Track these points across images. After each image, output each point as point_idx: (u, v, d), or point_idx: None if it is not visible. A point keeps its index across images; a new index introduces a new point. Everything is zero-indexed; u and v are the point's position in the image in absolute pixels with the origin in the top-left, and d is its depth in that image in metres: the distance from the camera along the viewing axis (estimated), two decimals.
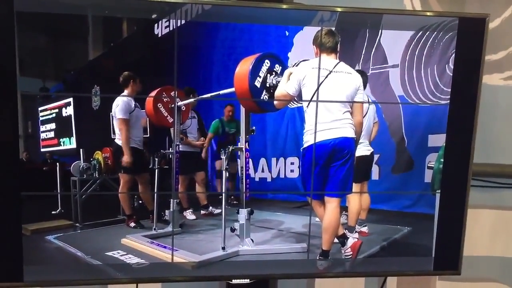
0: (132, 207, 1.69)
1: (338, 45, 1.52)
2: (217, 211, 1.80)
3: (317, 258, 1.60)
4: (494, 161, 1.88)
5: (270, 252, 1.66)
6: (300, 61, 1.55)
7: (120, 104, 1.56)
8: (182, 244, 1.60)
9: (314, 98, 1.51)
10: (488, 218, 1.95)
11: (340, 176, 1.58)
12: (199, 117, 1.76)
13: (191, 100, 1.58)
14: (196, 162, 1.76)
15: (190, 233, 1.71)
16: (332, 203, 1.60)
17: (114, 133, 1.61)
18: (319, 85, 1.51)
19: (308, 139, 1.56)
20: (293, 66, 1.56)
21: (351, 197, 1.68)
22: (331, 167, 1.58)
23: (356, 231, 1.68)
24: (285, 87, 1.56)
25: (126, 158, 1.62)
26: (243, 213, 1.66)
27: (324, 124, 1.53)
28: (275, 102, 1.58)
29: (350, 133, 1.58)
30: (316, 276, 1.80)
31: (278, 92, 1.57)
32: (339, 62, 1.53)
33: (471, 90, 1.50)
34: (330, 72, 1.52)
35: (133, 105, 1.58)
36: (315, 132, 1.53)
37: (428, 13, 1.51)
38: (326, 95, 1.52)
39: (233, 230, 1.67)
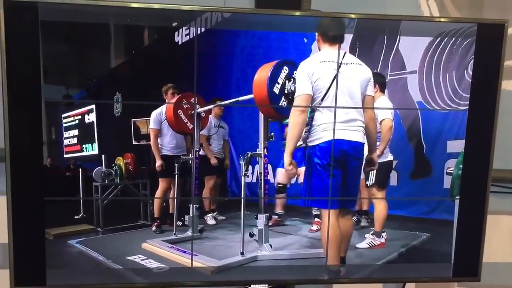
0: (160, 211, 1.72)
1: (343, 36, 1.47)
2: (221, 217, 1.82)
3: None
4: None
5: (288, 258, 1.67)
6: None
7: (152, 115, 1.62)
8: (201, 249, 1.61)
9: (329, 93, 1.47)
10: (507, 224, 1.93)
11: (357, 183, 1.58)
12: (228, 130, 1.80)
13: (211, 106, 1.60)
14: (219, 166, 1.78)
15: (209, 238, 1.73)
16: (346, 214, 1.60)
17: (135, 139, 1.64)
18: (336, 76, 1.46)
19: (321, 136, 1.49)
20: None
21: (378, 203, 1.67)
22: (347, 174, 1.55)
23: (382, 236, 1.69)
24: (300, 90, 1.50)
25: (156, 164, 1.67)
26: (261, 218, 1.67)
27: (338, 124, 1.48)
28: (298, 112, 1.51)
29: (362, 139, 1.55)
30: (334, 282, 1.80)
31: (297, 100, 1.51)
32: (345, 53, 1.48)
33: (490, 95, 1.49)
34: (341, 64, 1.48)
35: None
36: (334, 129, 1.47)
37: (447, 19, 1.51)
38: (340, 91, 1.47)
39: (251, 235, 1.67)
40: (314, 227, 1.82)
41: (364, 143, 1.56)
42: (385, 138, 1.62)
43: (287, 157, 1.54)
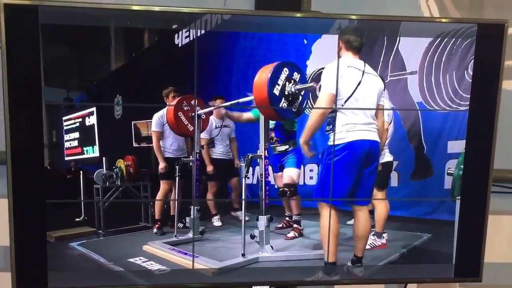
0: (162, 213, 1.72)
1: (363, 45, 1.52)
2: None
3: (349, 264, 1.61)
4: None
5: (290, 259, 1.67)
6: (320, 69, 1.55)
7: (154, 118, 1.63)
8: (202, 250, 1.62)
9: (350, 99, 1.52)
10: (509, 224, 1.93)
11: (372, 182, 1.59)
12: (233, 128, 1.80)
13: (211, 108, 1.60)
14: (228, 170, 1.78)
15: (210, 240, 1.73)
16: (364, 211, 1.62)
17: (136, 141, 1.65)
18: (358, 84, 1.51)
19: (345, 136, 1.54)
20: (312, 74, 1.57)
21: (378, 203, 1.68)
22: (365, 172, 1.58)
23: (383, 237, 1.69)
24: (325, 89, 1.52)
25: (160, 166, 1.69)
26: (262, 220, 1.67)
27: (358, 125, 1.54)
28: (320, 111, 1.54)
29: (378, 138, 1.59)
30: (335, 283, 1.79)
31: (321, 97, 1.54)
32: (364, 63, 1.53)
33: (491, 95, 1.50)
34: (363, 73, 1.52)
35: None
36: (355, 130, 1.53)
37: (447, 20, 1.51)
38: (361, 96, 1.52)
39: (252, 237, 1.68)
40: (291, 234, 1.83)
41: (379, 142, 1.60)
42: (383, 140, 1.64)
43: (303, 146, 1.61)
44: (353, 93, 1.51)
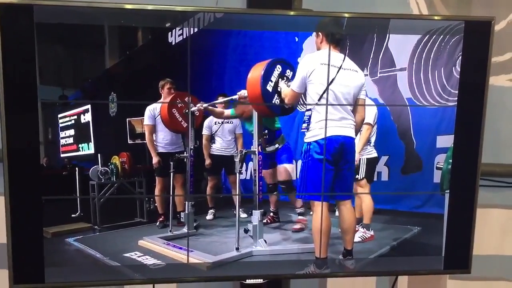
0: (162, 207, 1.73)
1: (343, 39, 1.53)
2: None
3: (341, 257, 1.64)
4: (503, 161, 1.90)
5: (283, 253, 1.69)
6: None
7: (146, 111, 1.63)
8: (197, 245, 1.63)
9: (324, 95, 1.52)
10: (497, 218, 1.96)
11: (351, 177, 1.62)
12: (236, 124, 1.81)
13: (205, 105, 1.61)
14: (227, 166, 1.79)
15: (204, 235, 1.75)
16: (347, 204, 1.64)
17: (130, 138, 1.66)
18: (329, 84, 1.52)
19: (319, 133, 1.55)
20: None
21: (365, 196, 1.71)
22: (343, 168, 1.60)
23: (371, 228, 1.72)
24: (293, 85, 1.57)
25: (153, 160, 1.69)
26: (256, 214, 1.69)
27: (332, 122, 1.55)
28: (285, 101, 1.60)
29: (354, 134, 1.61)
30: (328, 276, 1.82)
31: (284, 91, 1.60)
32: (345, 57, 1.53)
33: (478, 91, 1.52)
34: (339, 69, 1.53)
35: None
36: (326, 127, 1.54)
37: (435, 17, 1.54)
38: (335, 93, 1.53)
39: (246, 231, 1.70)
40: (298, 226, 1.84)
41: (355, 138, 1.62)
42: (363, 140, 1.67)
43: None
44: (325, 91, 1.52)
